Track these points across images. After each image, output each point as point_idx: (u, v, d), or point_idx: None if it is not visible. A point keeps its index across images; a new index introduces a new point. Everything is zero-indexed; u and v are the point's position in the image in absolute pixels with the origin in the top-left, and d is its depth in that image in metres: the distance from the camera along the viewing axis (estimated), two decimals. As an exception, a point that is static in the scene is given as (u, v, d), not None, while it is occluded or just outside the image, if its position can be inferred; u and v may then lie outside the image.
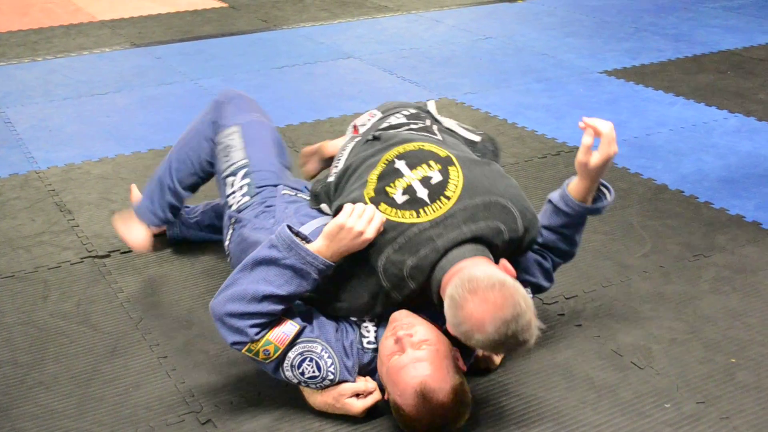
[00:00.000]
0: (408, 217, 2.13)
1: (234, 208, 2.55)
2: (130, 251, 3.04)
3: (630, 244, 3.05)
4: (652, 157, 3.80)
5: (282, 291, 2.07)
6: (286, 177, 2.67)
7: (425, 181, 2.19)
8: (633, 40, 5.77)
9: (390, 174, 2.22)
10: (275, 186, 2.57)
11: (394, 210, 2.15)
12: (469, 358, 2.23)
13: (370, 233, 2.08)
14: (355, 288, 2.16)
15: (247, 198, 2.53)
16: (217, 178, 2.70)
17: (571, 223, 2.32)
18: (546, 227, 2.34)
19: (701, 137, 4.04)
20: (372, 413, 2.18)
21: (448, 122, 2.69)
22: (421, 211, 2.13)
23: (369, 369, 2.19)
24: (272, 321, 2.10)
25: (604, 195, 2.31)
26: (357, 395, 2.15)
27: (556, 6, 6.80)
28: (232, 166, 2.62)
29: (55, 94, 4.82)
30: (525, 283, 2.32)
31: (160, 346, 2.52)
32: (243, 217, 2.49)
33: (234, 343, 2.10)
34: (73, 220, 3.30)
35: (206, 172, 2.78)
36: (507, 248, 2.17)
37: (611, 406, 2.23)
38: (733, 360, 2.41)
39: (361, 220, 2.08)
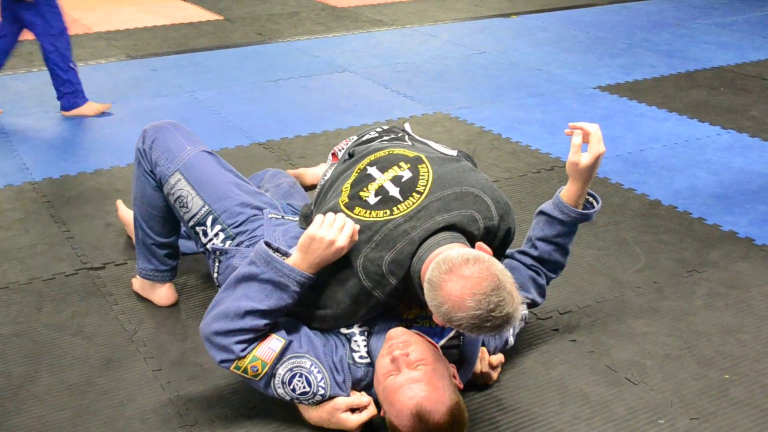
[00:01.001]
0: (382, 215, 2.16)
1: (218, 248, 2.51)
2: (125, 263, 3.04)
3: (624, 259, 3.06)
4: (646, 173, 3.82)
5: (263, 305, 2.09)
6: (260, 200, 2.56)
7: (396, 180, 2.23)
8: (627, 56, 5.80)
9: (362, 180, 2.27)
10: (256, 215, 2.50)
11: (368, 211, 2.18)
12: (466, 374, 2.23)
13: (342, 241, 2.09)
14: (336, 294, 2.17)
15: (229, 242, 2.47)
16: (184, 226, 2.60)
17: (566, 232, 2.36)
18: (541, 239, 2.36)
19: (694, 153, 4.06)
20: (367, 428, 2.18)
21: (423, 140, 2.72)
22: (394, 208, 2.16)
23: (363, 384, 2.19)
24: (257, 337, 2.11)
25: (592, 204, 2.38)
26: (352, 410, 2.16)
27: (550, 21, 6.83)
28: (196, 216, 2.50)
29: (51, 105, 4.81)
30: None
31: (155, 359, 2.52)
32: (230, 249, 2.45)
33: (222, 361, 2.11)
34: (68, 231, 3.30)
35: (175, 215, 2.66)
36: (485, 238, 2.18)
37: (605, 422, 2.24)
38: (727, 376, 2.41)
39: (331, 230, 2.10)
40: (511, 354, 2.47)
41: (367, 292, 2.12)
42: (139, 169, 2.63)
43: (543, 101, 4.84)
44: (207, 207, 2.49)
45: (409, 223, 2.12)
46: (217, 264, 2.49)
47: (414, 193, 2.18)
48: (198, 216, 2.50)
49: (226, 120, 4.53)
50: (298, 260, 2.11)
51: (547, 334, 2.62)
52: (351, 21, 6.90)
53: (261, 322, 2.09)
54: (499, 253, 2.28)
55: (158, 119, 2.70)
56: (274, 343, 2.12)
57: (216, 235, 2.48)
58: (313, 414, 2.18)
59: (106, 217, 3.42)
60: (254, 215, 2.50)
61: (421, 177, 2.22)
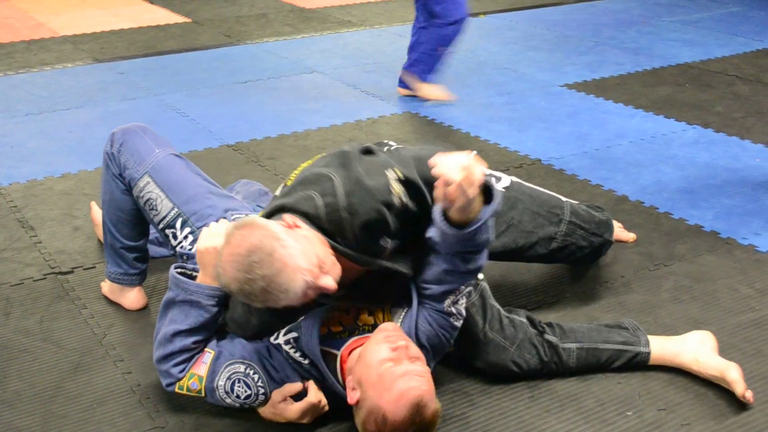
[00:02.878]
0: None
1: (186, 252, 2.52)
2: (94, 267, 3.03)
3: (591, 254, 3.09)
4: (613, 169, 3.85)
5: (184, 325, 2.18)
6: (229, 203, 2.54)
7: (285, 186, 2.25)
8: (593, 53, 5.84)
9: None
10: (225, 217, 2.47)
11: None
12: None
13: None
14: (232, 305, 2.22)
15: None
16: (154, 229, 2.60)
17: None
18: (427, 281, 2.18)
19: (660, 149, 4.10)
20: (325, 420, 2.20)
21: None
22: (261, 209, 2.23)
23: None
24: (191, 356, 2.20)
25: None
26: (295, 399, 2.18)
27: (518, 20, 6.87)
28: (165, 219, 2.50)
29: (17, 110, 4.78)
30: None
31: (125, 362, 2.51)
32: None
33: (167, 386, 2.22)
34: (36, 236, 3.28)
35: (144, 218, 2.66)
36: (331, 217, 2.04)
37: (574, 415, 2.26)
38: (693, 367, 2.45)
39: (215, 237, 2.15)
40: (480, 350, 2.49)
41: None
42: (107, 173, 2.62)
43: (511, 99, 4.87)
44: (176, 209, 2.49)
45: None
46: None
47: (281, 189, 2.24)
48: (167, 219, 2.50)
49: (195, 122, 4.52)
50: (201, 276, 2.20)
51: (516, 329, 2.63)
52: (319, 22, 6.90)
53: (188, 341, 2.18)
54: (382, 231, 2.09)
55: (126, 123, 2.69)
56: (206, 356, 2.21)
57: (185, 237, 2.48)
58: (265, 413, 2.22)
59: (74, 221, 3.40)
60: (223, 218, 2.49)
61: (293, 173, 2.24)
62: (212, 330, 2.24)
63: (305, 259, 1.92)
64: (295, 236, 1.96)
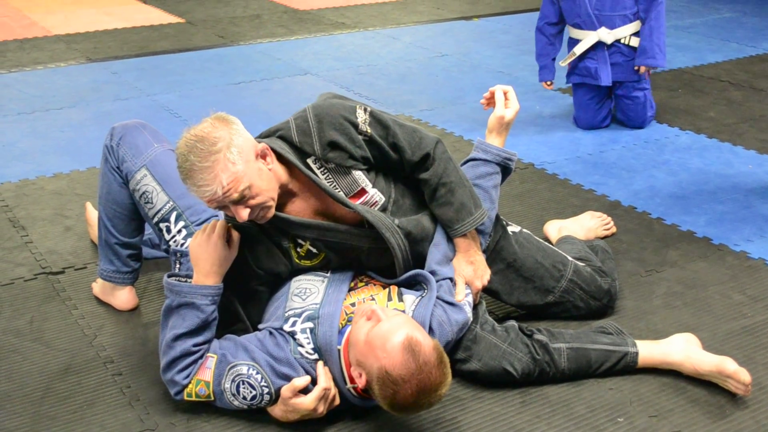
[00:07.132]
0: None
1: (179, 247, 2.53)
2: (85, 267, 3.01)
3: (584, 259, 3.09)
4: (605, 174, 3.85)
5: (183, 329, 2.19)
6: None
7: None
8: (587, 58, 5.83)
9: None
10: (218, 214, 2.51)
11: None
12: None
13: (214, 236, 2.24)
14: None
15: (190, 239, 2.45)
16: (148, 223, 2.62)
17: (491, 172, 2.62)
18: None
19: (653, 154, 4.10)
20: (335, 416, 2.19)
21: None
22: None
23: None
24: (194, 360, 2.21)
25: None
26: (301, 392, 2.16)
27: (512, 24, 6.87)
28: (160, 212, 2.54)
29: (9, 108, 4.77)
30: None
31: (115, 364, 2.50)
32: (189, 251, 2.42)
33: (176, 394, 2.23)
34: (27, 236, 3.27)
35: (140, 214, 2.67)
36: (301, 128, 2.29)
37: (565, 421, 2.26)
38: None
39: (204, 234, 2.24)
40: (472, 354, 2.48)
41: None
42: (105, 166, 2.64)
43: (504, 103, 4.85)
44: (171, 203, 2.53)
45: None
46: (178, 266, 2.49)
47: None
48: (162, 212, 2.52)
49: (188, 123, 4.46)
50: (196, 277, 2.24)
51: (508, 334, 2.63)
52: (313, 24, 6.89)
53: (188, 343, 2.20)
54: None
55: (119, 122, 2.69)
56: (209, 361, 2.22)
57: (179, 231, 2.51)
58: (276, 412, 2.20)
59: (66, 221, 3.39)
60: (216, 214, 2.52)
61: None
62: (211, 331, 2.25)
63: (235, 179, 2.07)
64: (249, 159, 2.11)
